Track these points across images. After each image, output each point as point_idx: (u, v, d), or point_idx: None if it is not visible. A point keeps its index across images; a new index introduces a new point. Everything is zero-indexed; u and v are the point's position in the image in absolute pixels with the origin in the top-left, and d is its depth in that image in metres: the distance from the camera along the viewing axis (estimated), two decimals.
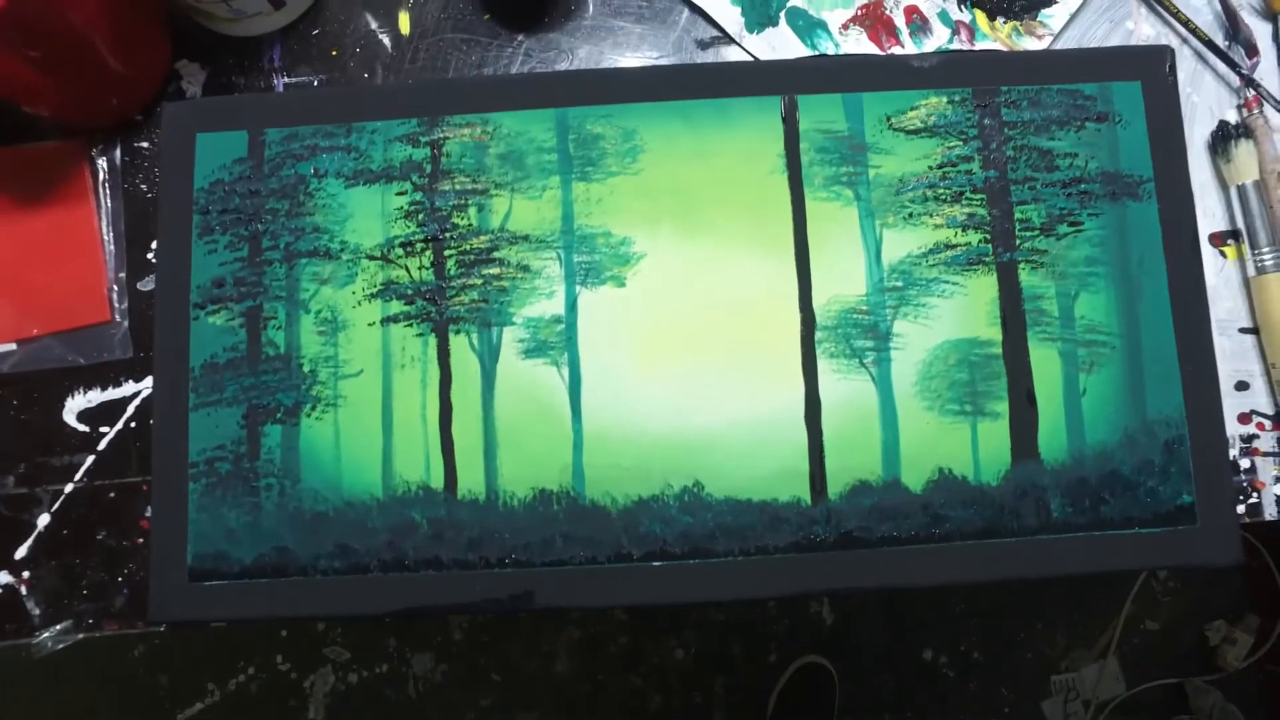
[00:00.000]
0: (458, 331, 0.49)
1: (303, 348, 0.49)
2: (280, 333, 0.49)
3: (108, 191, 0.52)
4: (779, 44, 0.53)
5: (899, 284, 0.50)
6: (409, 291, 0.50)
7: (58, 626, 0.48)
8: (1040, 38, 0.53)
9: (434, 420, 0.49)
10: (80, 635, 0.47)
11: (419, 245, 0.50)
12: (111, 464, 0.50)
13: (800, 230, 0.50)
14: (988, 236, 0.51)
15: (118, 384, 0.51)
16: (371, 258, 0.50)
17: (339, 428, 0.49)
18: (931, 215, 0.51)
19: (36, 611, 0.48)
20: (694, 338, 0.49)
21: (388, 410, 0.49)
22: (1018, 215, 0.51)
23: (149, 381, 0.50)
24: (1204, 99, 0.54)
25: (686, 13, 0.53)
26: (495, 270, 0.50)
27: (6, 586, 0.48)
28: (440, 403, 0.49)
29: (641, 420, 0.49)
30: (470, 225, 0.50)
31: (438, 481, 0.48)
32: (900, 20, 0.53)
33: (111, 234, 0.52)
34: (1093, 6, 0.53)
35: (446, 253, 0.50)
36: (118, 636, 0.50)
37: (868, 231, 0.51)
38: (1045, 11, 0.53)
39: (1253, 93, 0.53)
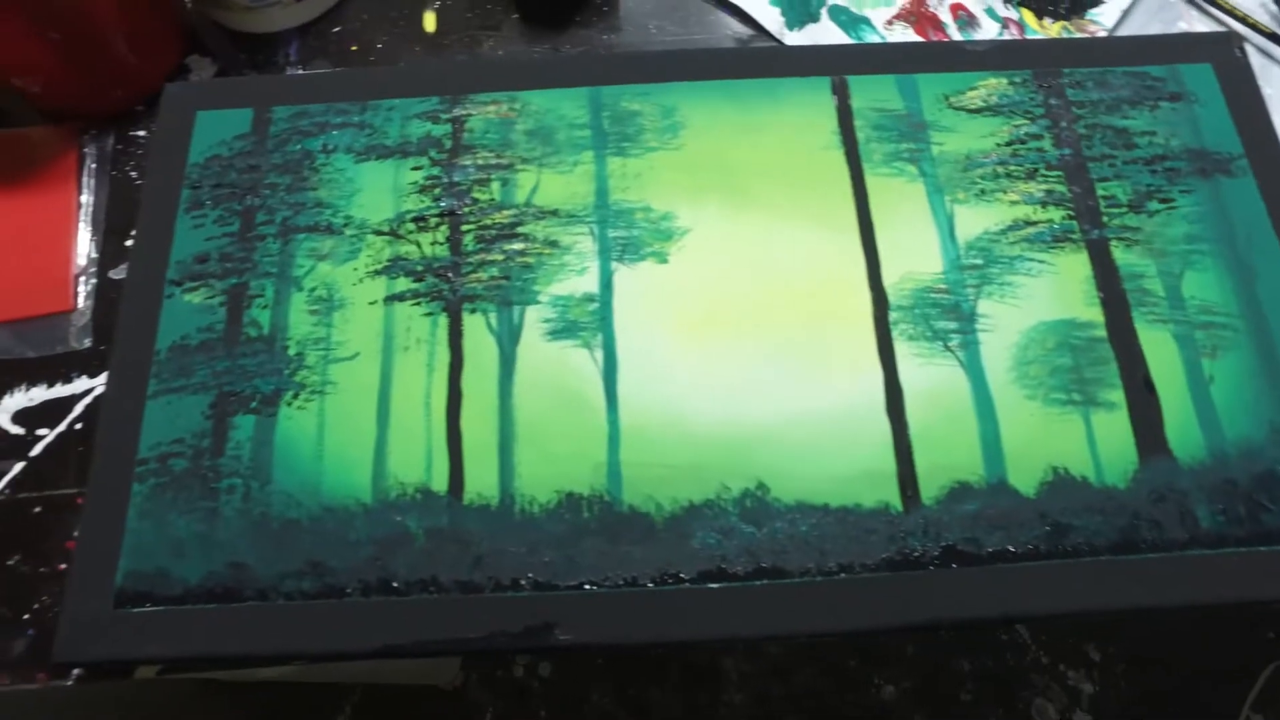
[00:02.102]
0: (473, 311, 0.38)
1: (290, 328, 0.38)
2: (266, 312, 0.38)
3: (93, 178, 0.42)
4: (821, 39, 0.45)
5: (979, 261, 0.39)
6: (419, 268, 0.39)
7: None
8: (1092, 35, 0.46)
9: (440, 410, 0.36)
10: None
11: (434, 220, 0.40)
12: (44, 473, 0.37)
13: (863, 206, 0.40)
14: (1071, 213, 0.40)
15: (68, 380, 0.38)
16: (379, 233, 0.39)
17: (324, 418, 0.36)
18: (1005, 192, 0.41)
19: None
20: (749, 318, 0.38)
21: (385, 399, 0.36)
22: (1100, 192, 0.41)
23: (106, 378, 0.38)
24: (1277, 91, 0.45)
25: (723, 13, 0.46)
26: (519, 245, 0.39)
27: None
28: (449, 390, 0.36)
29: (690, 411, 0.36)
30: (492, 200, 0.40)
31: (440, 483, 0.35)
32: (946, 16, 0.45)
33: (90, 221, 0.41)
34: (1143, 8, 0.46)
35: (464, 228, 0.39)
36: (8, 694, 0.34)
37: (937, 207, 0.40)
38: (1093, 11, 0.46)
39: None
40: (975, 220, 0.40)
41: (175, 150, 0.41)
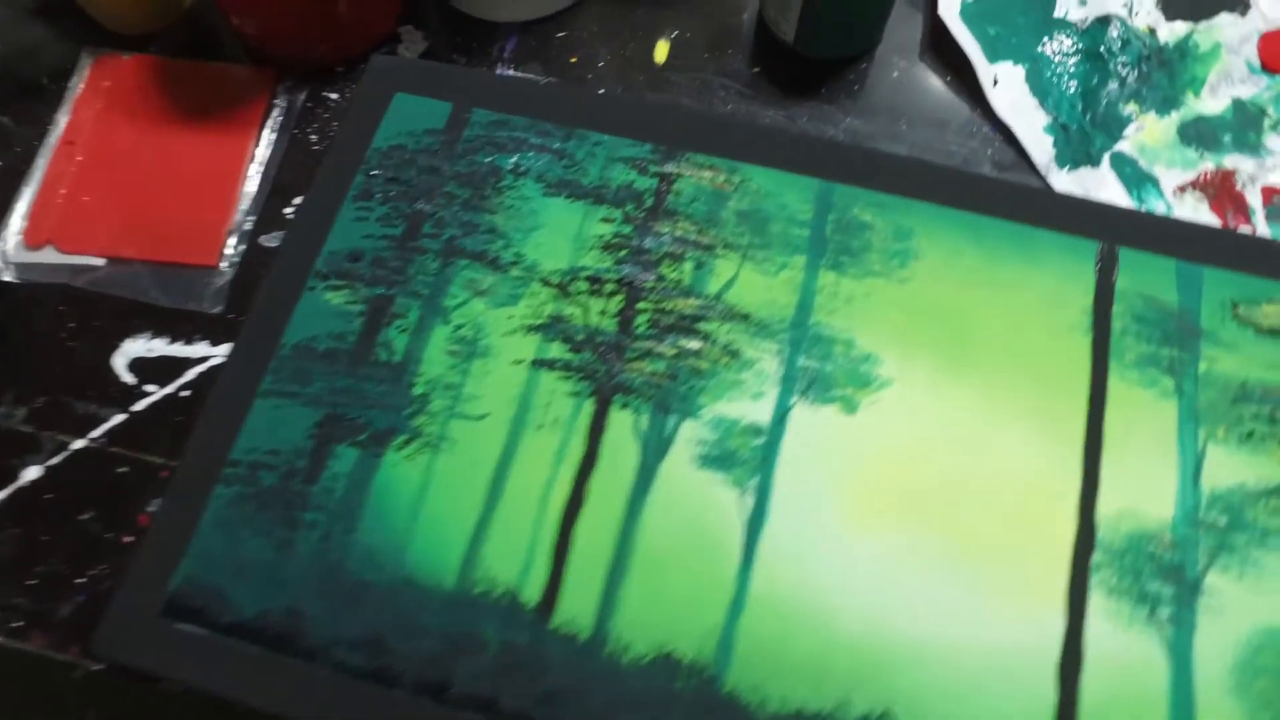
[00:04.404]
0: (624, 406, 0.31)
1: (424, 363, 0.32)
2: (404, 336, 0.32)
3: (275, 131, 0.37)
4: (1093, 187, 0.36)
5: (1221, 521, 0.30)
6: (579, 337, 0.32)
7: None
8: None
9: (557, 510, 0.30)
10: None
11: (609, 286, 0.33)
12: (140, 432, 0.32)
13: (1096, 411, 0.32)
14: None
15: (190, 341, 0.34)
16: (547, 283, 0.33)
17: (431, 478, 0.30)
18: None
19: None
20: (930, 510, 0.30)
21: (501, 477, 0.30)
22: None
23: (227, 349, 0.33)
24: None
25: (987, 128, 0.37)
26: (695, 344, 0.32)
27: None
28: (573, 489, 0.30)
29: (833, 598, 0.29)
30: (680, 282, 0.33)
31: (532, 593, 0.29)
32: (1255, 199, 0.36)
33: (260, 177, 0.36)
34: None
35: (640, 305, 0.33)
36: (40, 659, 0.30)
37: (1187, 438, 0.31)
38: None
39: None
40: (1231, 468, 0.31)
41: (364, 129, 0.36)
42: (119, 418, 0.33)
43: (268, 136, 0.37)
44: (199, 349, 0.34)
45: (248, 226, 0.36)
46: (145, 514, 0.32)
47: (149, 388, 0.34)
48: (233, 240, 0.36)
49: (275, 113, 0.38)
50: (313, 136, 0.38)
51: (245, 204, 0.36)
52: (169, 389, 0.34)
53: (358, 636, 0.29)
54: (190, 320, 0.35)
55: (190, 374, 0.34)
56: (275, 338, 0.33)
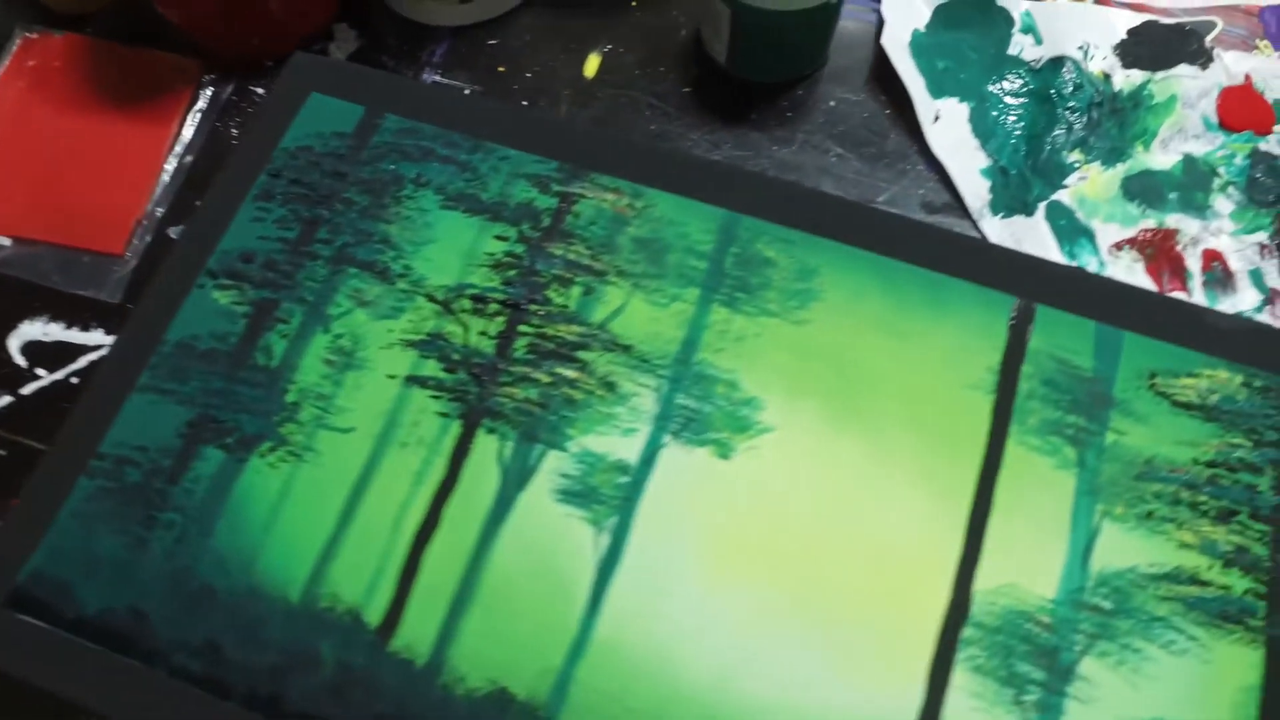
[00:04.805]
0: (491, 431, 0.30)
1: (300, 370, 0.31)
2: (283, 342, 0.32)
3: (195, 124, 0.37)
4: (1025, 237, 0.34)
5: (1106, 605, 0.28)
6: (455, 356, 0.31)
7: None
8: None
9: (409, 533, 0.29)
10: None
11: (493, 306, 0.32)
12: (26, 417, 0.32)
13: (989, 477, 0.30)
14: (1261, 590, 0.28)
15: (86, 328, 0.33)
16: (431, 298, 0.32)
17: (290, 488, 0.30)
18: (1180, 526, 0.29)
19: None
20: (794, 566, 0.29)
21: (359, 494, 0.29)
22: None
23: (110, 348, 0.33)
24: None
25: (922, 165, 0.35)
26: (572, 373, 0.31)
27: None
28: (428, 513, 0.29)
29: (681, 651, 0.28)
30: (566, 307, 0.32)
31: (375, 614, 0.28)
32: (1195, 263, 0.33)
33: (174, 166, 0.36)
34: None
35: (522, 328, 0.32)
36: None
37: (1081, 514, 0.29)
38: None
39: None
40: (1124, 549, 0.29)
41: (275, 127, 0.35)
42: (6, 400, 0.33)
43: (187, 129, 0.37)
44: (94, 337, 0.34)
45: (158, 214, 0.35)
46: (18, 499, 0.32)
47: (40, 371, 0.33)
48: (141, 229, 0.35)
49: (199, 103, 0.37)
50: (234, 130, 0.37)
51: (158, 193, 0.36)
52: (59, 375, 0.33)
53: (197, 643, 0.28)
54: (90, 308, 0.34)
55: (82, 361, 0.33)
56: (159, 333, 0.32)
